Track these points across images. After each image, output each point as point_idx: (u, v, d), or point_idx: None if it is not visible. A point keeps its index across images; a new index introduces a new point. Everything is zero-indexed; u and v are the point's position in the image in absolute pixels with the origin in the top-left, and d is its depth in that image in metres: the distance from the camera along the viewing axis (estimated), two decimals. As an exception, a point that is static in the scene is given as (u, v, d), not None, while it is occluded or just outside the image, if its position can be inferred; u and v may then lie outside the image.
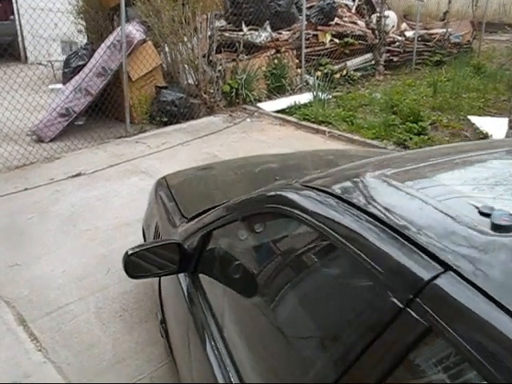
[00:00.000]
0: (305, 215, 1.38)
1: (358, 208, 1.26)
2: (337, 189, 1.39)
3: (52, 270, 3.79)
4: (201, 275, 2.03)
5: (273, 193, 1.57)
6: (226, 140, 6.37)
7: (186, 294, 2.08)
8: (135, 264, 1.94)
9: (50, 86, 7.64)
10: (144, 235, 3.36)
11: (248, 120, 7.09)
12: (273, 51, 7.82)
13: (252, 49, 7.62)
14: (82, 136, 6.19)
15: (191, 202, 2.73)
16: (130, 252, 1.89)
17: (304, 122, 6.80)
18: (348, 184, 1.43)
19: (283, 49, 7.88)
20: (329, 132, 6.46)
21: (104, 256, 3.96)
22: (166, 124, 6.71)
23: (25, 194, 4.97)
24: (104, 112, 6.35)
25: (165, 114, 6.68)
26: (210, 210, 2.48)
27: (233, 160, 3.91)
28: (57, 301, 3.48)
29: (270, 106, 7.40)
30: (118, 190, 5.04)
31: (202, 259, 1.98)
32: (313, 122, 6.76)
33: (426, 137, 6.14)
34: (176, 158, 5.81)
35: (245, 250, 1.80)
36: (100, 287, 3.61)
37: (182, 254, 1.96)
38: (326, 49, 8.57)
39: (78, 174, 5.34)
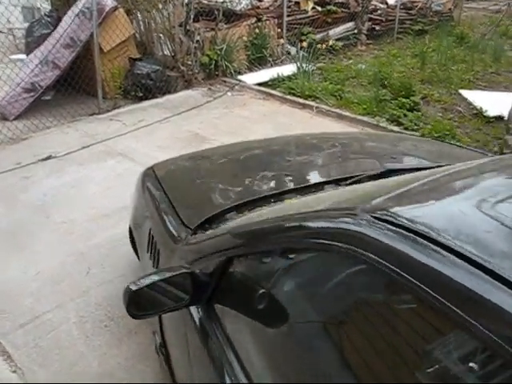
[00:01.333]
0: (382, 262, 1.03)
1: (470, 261, 0.91)
2: (428, 226, 1.03)
3: (24, 272, 3.37)
4: (217, 305, 1.67)
5: (330, 225, 1.20)
6: (206, 116, 5.93)
7: (197, 324, 1.73)
8: (139, 301, 1.55)
9: (12, 57, 6.99)
10: (132, 236, 2.97)
11: (229, 94, 6.65)
12: (253, 20, 7.33)
13: (232, 17, 7.12)
14: (51, 113, 5.65)
15: (192, 205, 2.34)
16: (133, 288, 1.51)
17: (289, 97, 6.40)
18: (443, 219, 1.07)
19: (264, 17, 7.40)
20: (316, 107, 6.08)
21: (82, 253, 3.55)
22: (141, 99, 6.22)
23: (-11, 180, 4.48)
24: (73, 86, 5.81)
25: (140, 89, 6.18)
26: (218, 215, 2.12)
27: (228, 146, 3.50)
28: (32, 309, 3.07)
29: (252, 78, 6.96)
30: (92, 175, 4.59)
31: (220, 288, 1.62)
32: (299, 97, 6.37)
33: (419, 113, 5.83)
34: (154, 136, 5.36)
35: (283, 286, 1.44)
36: (80, 291, 3.21)
37: (194, 283, 1.60)
38: (308, 17, 8.11)
39: (48, 157, 4.85)
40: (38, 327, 2.94)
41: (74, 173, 4.62)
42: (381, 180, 2.12)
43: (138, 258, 2.98)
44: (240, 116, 5.96)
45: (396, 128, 5.55)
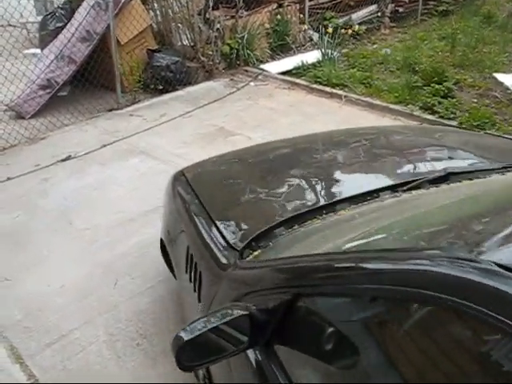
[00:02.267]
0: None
1: None
2: None
3: (48, 285, 3.16)
4: (278, 346, 1.43)
5: (448, 274, 0.94)
6: (230, 109, 5.66)
7: (254, 366, 1.49)
8: (191, 350, 1.31)
9: (26, 51, 6.77)
10: (164, 250, 2.72)
11: (252, 84, 6.36)
12: (274, 6, 7.01)
13: (252, 4, 6.80)
14: (68, 110, 5.42)
15: (233, 218, 2.09)
16: (185, 337, 1.27)
17: (315, 85, 6.10)
18: None
19: (286, 2, 7.07)
20: (345, 96, 5.78)
21: (109, 264, 3.33)
22: (161, 92, 5.96)
23: (7, 184, 4.27)
24: (91, 81, 5.57)
25: (160, 81, 5.92)
26: (270, 230, 1.88)
27: (263, 145, 3.22)
28: (58, 327, 2.86)
29: (275, 67, 6.66)
30: (115, 175, 4.36)
31: (284, 329, 1.37)
32: (325, 85, 6.06)
33: (454, 100, 5.50)
34: (178, 132, 5.11)
35: (363, 338, 1.18)
36: (109, 306, 3.00)
37: (252, 323, 1.35)
38: (331, 1, 7.76)
39: (68, 158, 4.63)
40: (66, 347, 2.74)
41: (95, 173, 4.39)
42: (456, 192, 1.86)
43: (174, 276, 2.76)
44: (265, 107, 5.68)
45: (431, 117, 5.23)
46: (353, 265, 1.17)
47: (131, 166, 4.49)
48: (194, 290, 1.91)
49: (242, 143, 4.84)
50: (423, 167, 2.33)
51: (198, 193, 2.39)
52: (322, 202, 2.09)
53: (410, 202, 2.05)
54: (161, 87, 5.93)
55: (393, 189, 2.15)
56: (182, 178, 2.71)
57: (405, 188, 2.12)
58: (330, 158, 2.60)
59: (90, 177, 4.34)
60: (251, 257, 1.79)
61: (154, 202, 3.95)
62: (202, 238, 1.98)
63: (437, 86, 5.57)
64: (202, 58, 6.31)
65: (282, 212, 2.08)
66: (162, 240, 2.74)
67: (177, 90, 6.07)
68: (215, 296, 1.70)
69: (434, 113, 5.29)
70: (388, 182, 2.22)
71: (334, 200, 2.07)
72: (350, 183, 2.25)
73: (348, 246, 1.47)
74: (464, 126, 4.95)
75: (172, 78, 6.00)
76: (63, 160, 4.59)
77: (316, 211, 2.02)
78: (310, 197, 2.17)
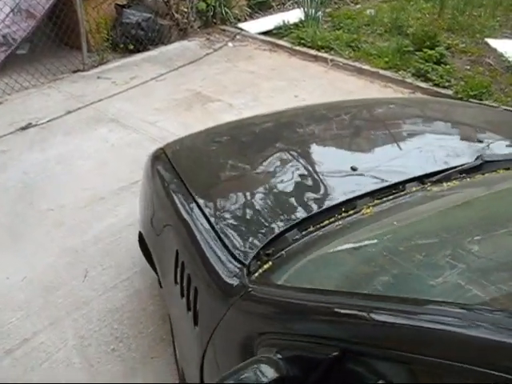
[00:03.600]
0: None
1: None
2: None
3: (7, 278, 2.75)
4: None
5: None
6: (207, 72, 5.19)
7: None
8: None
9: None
10: (144, 245, 2.33)
11: (230, 45, 5.88)
12: (254, -42, 6.47)
13: (230, -45, 6.25)
14: (27, 71, 4.86)
15: (234, 218, 1.71)
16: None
17: (299, 48, 5.66)
18: None
19: (266, -45, 6.53)
20: (331, 60, 5.37)
21: (76, 251, 2.93)
22: (131, 52, 5.42)
23: (-42, 156, 3.78)
24: (53, 39, 4.99)
25: (130, 40, 5.38)
26: (285, 232, 1.53)
27: (257, 118, 2.77)
28: (20, 329, 2.48)
29: (254, 26, 6.18)
30: (82, 147, 3.90)
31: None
32: (310, 48, 5.63)
33: (448, 66, 5.16)
34: (150, 97, 4.64)
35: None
36: (78, 302, 2.62)
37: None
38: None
39: (28, 126, 4.13)
40: (30, 354, 2.36)
41: (59, 145, 3.92)
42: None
43: (156, 273, 2.41)
44: (245, 71, 5.23)
45: (424, 84, 4.90)
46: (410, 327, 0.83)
47: (100, 136, 4.03)
48: (188, 309, 1.55)
49: (222, 110, 4.45)
50: (452, 152, 1.99)
51: (185, 180, 2.00)
52: (339, 196, 1.74)
53: (443, 198, 1.72)
54: (131, 47, 5.39)
55: (419, 180, 1.82)
56: (163, 157, 2.31)
57: (433, 179, 1.79)
58: (341, 136, 2.23)
59: (53, 149, 3.87)
60: (260, 271, 1.44)
61: (126, 178, 3.55)
62: (196, 243, 1.60)
63: (429, 52, 5.21)
64: (176, 15, 5.77)
65: (292, 209, 1.73)
66: (140, 234, 2.35)
67: (148, 49, 5.54)
68: (218, 325, 1.35)
69: (427, 80, 4.95)
70: (413, 170, 1.88)
71: (354, 195, 1.72)
72: (369, 172, 1.89)
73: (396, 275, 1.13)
74: (460, 95, 4.64)
75: (143, 36, 5.46)
76: (23, 128, 4.09)
77: (333, 209, 1.67)
78: (323, 189, 1.81)
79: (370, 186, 1.80)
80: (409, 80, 4.98)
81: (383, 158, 2.02)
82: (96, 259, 2.88)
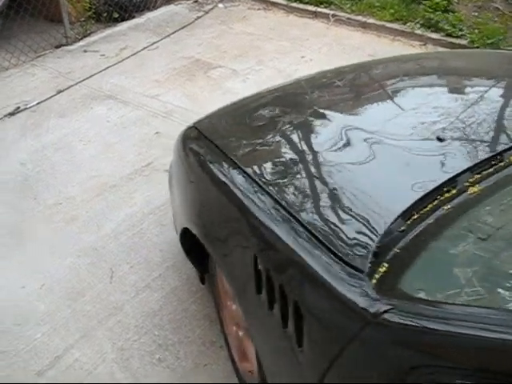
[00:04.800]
0: None
1: None
2: None
3: (23, 287, 2.43)
4: None
5: None
6: (202, 37, 4.79)
7: None
8: None
9: None
10: (186, 241, 2.02)
11: (220, 6, 5.45)
12: None
13: None
14: (6, 49, 4.38)
15: (327, 207, 1.40)
16: None
17: (295, 4, 5.26)
18: None
19: None
20: (333, 15, 5.00)
21: (96, 249, 2.61)
22: (116, 21, 4.97)
23: None
24: (31, 12, 4.51)
25: (113, 8, 4.92)
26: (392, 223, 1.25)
27: (302, 81, 2.37)
28: (48, 346, 2.17)
29: (244, -16, 5.74)
30: (81, 130, 3.52)
31: None
32: (307, 3, 5.25)
33: (456, 14, 4.84)
34: (146, 69, 4.24)
35: None
36: (110, 308, 2.32)
37: None
38: None
39: (17, 110, 3.71)
40: (65, 374, 2.07)
41: (54, 129, 3.54)
42: None
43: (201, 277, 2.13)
44: (243, 33, 4.84)
45: (435, 35, 4.58)
46: None
47: (99, 116, 3.65)
48: (285, 326, 1.26)
49: (226, 77, 4.10)
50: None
51: (239, 162, 1.69)
52: (437, 174, 1.45)
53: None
54: (116, 15, 4.95)
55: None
56: (200, 136, 1.99)
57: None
58: (404, 101, 1.92)
59: (48, 134, 3.48)
60: (377, 277, 1.16)
61: (136, 160, 3.23)
62: (283, 245, 1.30)
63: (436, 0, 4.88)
64: (160, -23, 5.32)
65: (387, 192, 1.43)
66: (183, 230, 2.02)
67: (134, 17, 5.10)
68: (340, 355, 1.07)
69: (438, 30, 4.63)
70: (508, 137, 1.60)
71: (455, 172, 1.44)
72: (458, 141, 1.60)
73: None
74: (476, 44, 4.35)
75: (127, 3, 5.02)
76: (11, 114, 3.68)
77: (435, 190, 1.39)
78: (416, 166, 1.52)
79: (466, 159, 1.52)
80: (418, 31, 4.66)
81: (468, 123, 1.73)
82: (120, 256, 2.57)
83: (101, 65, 4.28)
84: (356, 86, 2.18)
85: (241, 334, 1.84)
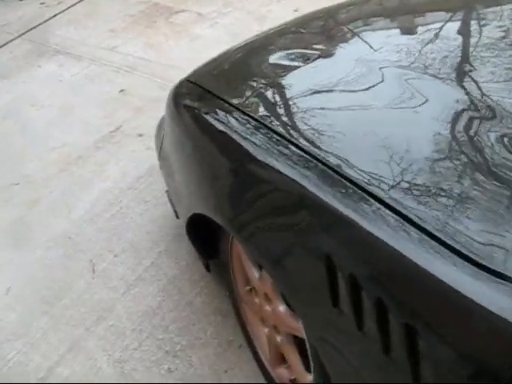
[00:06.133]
0: None
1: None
2: None
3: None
4: None
5: None
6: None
7: None
8: None
9: None
10: (196, 231, 1.61)
11: None
12: None
13: None
14: None
15: (419, 185, 1.01)
16: None
17: None
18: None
19: None
20: None
21: (69, 238, 2.17)
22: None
23: None
24: None
25: None
26: None
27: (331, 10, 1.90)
28: (27, 366, 1.75)
29: None
30: (30, 92, 2.98)
31: None
32: None
33: None
34: (99, 17, 3.65)
35: None
36: (97, 311, 1.90)
37: None
38: None
39: None
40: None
41: (-3, 94, 2.98)
42: None
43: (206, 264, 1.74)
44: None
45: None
46: None
47: (49, 75, 3.10)
48: (386, 351, 0.89)
49: (192, 22, 3.59)
50: None
51: (262, 119, 1.28)
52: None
53: None
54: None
55: None
56: (195, 88, 1.57)
57: None
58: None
59: (-9, 99, 2.93)
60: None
61: (101, 125, 2.75)
62: (382, 245, 0.91)
63: None
64: None
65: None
66: (190, 218, 1.59)
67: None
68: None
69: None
70: None
71: None
72: None
73: None
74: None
75: None
76: None
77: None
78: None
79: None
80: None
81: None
82: (100, 244, 2.13)
83: (43, 14, 3.67)
84: (379, 16, 1.77)
85: (280, 338, 1.48)
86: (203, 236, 1.70)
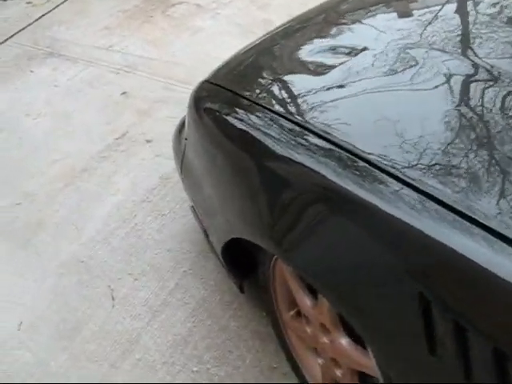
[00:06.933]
0: None
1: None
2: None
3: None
4: None
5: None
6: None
7: None
8: None
9: None
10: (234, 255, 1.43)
11: None
12: None
13: None
14: None
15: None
16: None
17: None
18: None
19: None
20: None
21: (81, 261, 1.97)
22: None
23: None
24: None
25: None
26: None
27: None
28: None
29: None
30: (23, 100, 2.75)
31: None
32: None
33: None
34: (91, 15, 3.40)
35: None
36: (122, 343, 1.71)
37: None
38: None
39: None
40: None
41: (-10, 102, 2.76)
42: None
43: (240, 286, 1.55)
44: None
45: None
46: None
47: (43, 80, 2.87)
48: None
49: (191, 15, 3.38)
50: None
51: (293, 114, 1.10)
52: None
53: None
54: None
55: None
56: (217, 92, 1.39)
57: None
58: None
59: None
60: None
61: (105, 132, 2.55)
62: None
63: None
64: None
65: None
66: (225, 245, 1.39)
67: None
68: None
69: None
70: None
71: None
72: None
73: None
74: None
75: None
76: None
77: None
78: None
79: None
80: None
81: None
82: (117, 267, 1.94)
83: (31, 15, 3.42)
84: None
85: (340, 372, 1.29)
86: (238, 257, 1.52)
